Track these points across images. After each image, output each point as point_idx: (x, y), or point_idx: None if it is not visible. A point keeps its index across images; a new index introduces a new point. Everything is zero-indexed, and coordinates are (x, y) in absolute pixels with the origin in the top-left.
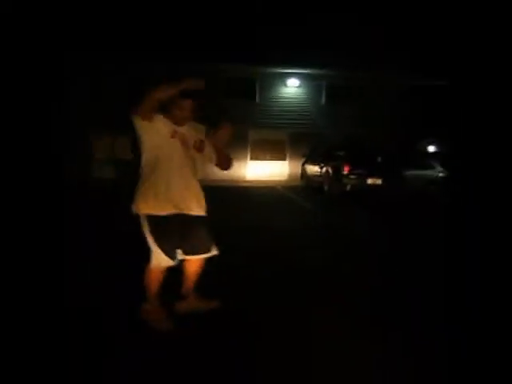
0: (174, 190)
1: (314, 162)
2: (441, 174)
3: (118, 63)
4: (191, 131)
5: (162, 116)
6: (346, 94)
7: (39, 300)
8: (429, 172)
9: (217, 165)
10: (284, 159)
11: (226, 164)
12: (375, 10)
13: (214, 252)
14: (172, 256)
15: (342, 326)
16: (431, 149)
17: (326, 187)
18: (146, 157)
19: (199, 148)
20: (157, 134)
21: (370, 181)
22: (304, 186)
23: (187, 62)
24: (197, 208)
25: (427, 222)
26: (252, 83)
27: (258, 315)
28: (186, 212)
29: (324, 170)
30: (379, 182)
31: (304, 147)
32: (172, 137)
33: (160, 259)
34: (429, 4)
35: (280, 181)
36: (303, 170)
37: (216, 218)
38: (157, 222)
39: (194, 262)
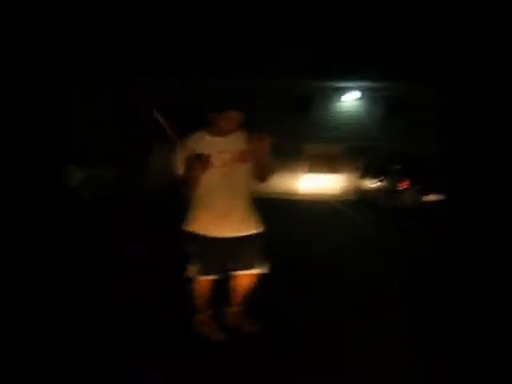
0: (221, 213)
1: (369, 177)
2: None
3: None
4: (235, 143)
5: (198, 138)
6: (405, 109)
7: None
8: None
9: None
10: (338, 173)
11: (260, 177)
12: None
13: (264, 270)
14: (213, 273)
15: (392, 338)
16: None
17: (380, 202)
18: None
19: (244, 159)
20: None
21: (427, 197)
22: (358, 200)
23: (250, 78)
24: (247, 227)
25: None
26: (310, 97)
27: (307, 329)
28: (234, 234)
29: (379, 183)
30: (438, 197)
31: (359, 161)
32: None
33: (199, 272)
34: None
35: (333, 195)
36: (358, 185)
37: (267, 231)
38: (202, 242)
39: (241, 278)
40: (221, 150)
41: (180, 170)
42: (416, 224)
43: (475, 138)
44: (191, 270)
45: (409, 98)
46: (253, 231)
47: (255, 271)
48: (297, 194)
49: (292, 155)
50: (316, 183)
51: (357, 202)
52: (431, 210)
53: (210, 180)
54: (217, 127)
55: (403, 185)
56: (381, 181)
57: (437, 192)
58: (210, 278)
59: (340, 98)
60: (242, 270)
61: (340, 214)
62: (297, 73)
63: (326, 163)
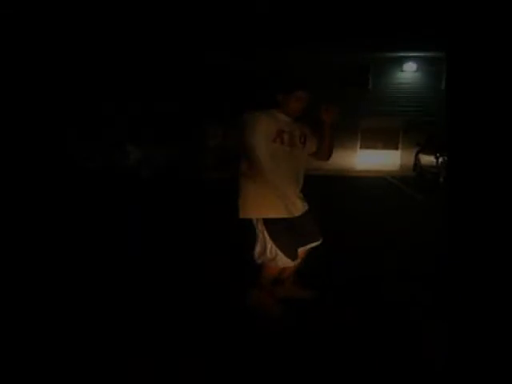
0: (284, 193)
1: (429, 152)
2: None
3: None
4: (297, 125)
5: (266, 116)
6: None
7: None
8: None
9: (315, 155)
10: (396, 149)
11: (326, 154)
12: None
13: (320, 240)
14: (294, 256)
15: None
16: None
17: (441, 179)
18: (253, 159)
19: (304, 142)
20: (263, 139)
21: None
22: (417, 177)
23: (301, 52)
24: (303, 206)
25: None
26: (365, 70)
27: (356, 316)
28: (296, 214)
29: (440, 159)
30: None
31: (418, 136)
32: (274, 141)
33: (283, 261)
34: None
35: (391, 171)
36: (417, 161)
37: (322, 210)
38: (275, 225)
39: (303, 252)
40: (290, 129)
41: (257, 141)
42: None
43: None
44: (281, 259)
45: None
46: (307, 207)
47: (316, 243)
48: (354, 171)
49: (349, 130)
50: (374, 159)
51: (416, 178)
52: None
53: (278, 158)
54: (286, 108)
55: None
56: (441, 156)
57: None
58: (290, 265)
59: (398, 69)
60: (310, 243)
61: (399, 191)
62: (352, 44)
63: (384, 138)
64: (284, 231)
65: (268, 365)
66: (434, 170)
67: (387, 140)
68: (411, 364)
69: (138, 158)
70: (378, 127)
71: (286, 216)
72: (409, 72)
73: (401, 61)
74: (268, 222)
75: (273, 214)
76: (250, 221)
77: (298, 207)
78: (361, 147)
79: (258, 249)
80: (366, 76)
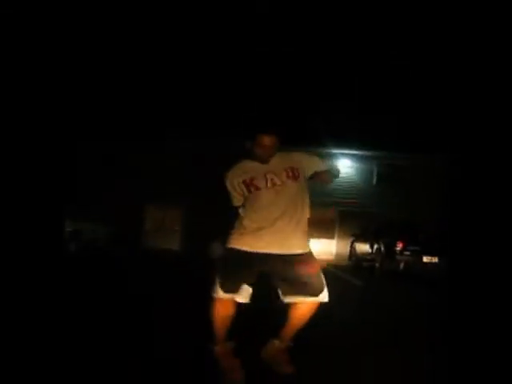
0: (267, 229)
1: (364, 241)
2: None
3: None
4: (279, 163)
5: (232, 173)
6: (397, 175)
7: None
8: None
9: (318, 179)
10: (332, 238)
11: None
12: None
13: (322, 298)
14: (227, 289)
15: None
16: None
17: (377, 265)
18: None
19: (293, 176)
20: (239, 195)
21: (425, 259)
22: (353, 265)
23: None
24: (295, 247)
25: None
26: None
27: None
28: (263, 250)
29: (375, 247)
30: (435, 260)
31: (353, 226)
32: (249, 192)
33: (212, 289)
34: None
35: (327, 260)
36: (352, 249)
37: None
38: (228, 254)
39: (298, 306)
40: (266, 171)
41: (233, 199)
42: (415, 286)
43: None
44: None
45: (401, 164)
46: (301, 251)
47: (316, 299)
48: None
49: None
50: (311, 248)
51: (352, 267)
52: (428, 271)
53: (263, 204)
54: (254, 155)
55: (398, 247)
56: (376, 244)
57: (432, 254)
58: (225, 298)
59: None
60: (300, 296)
61: (338, 278)
62: (290, 140)
63: (321, 228)
64: (233, 262)
65: None
66: (369, 258)
67: (323, 229)
68: None
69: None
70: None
71: (244, 248)
72: (344, 167)
73: (336, 157)
74: (231, 252)
75: (231, 245)
76: None
77: (274, 244)
78: None
79: None
80: None
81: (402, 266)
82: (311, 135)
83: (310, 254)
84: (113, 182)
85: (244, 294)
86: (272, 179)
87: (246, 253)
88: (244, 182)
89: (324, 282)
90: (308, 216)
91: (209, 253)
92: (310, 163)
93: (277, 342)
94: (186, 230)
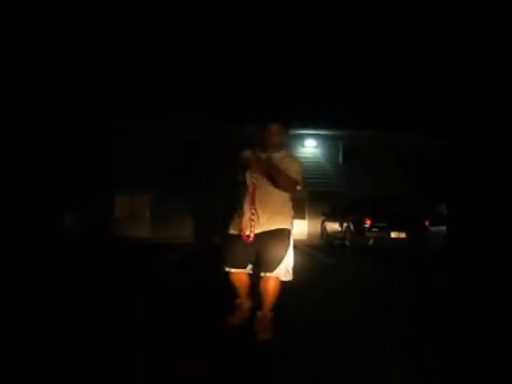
0: (245, 215)
1: (334, 220)
2: None
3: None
4: (274, 161)
5: (250, 152)
6: (363, 154)
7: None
8: None
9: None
10: (303, 218)
11: (280, 187)
12: (389, 70)
13: (282, 276)
14: (230, 264)
15: None
16: None
17: (347, 243)
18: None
19: (267, 175)
20: (241, 172)
21: (393, 234)
22: (324, 244)
23: (207, 123)
24: (259, 225)
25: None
26: None
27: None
28: (261, 230)
29: (345, 225)
30: (403, 235)
31: (323, 206)
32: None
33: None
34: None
35: (299, 240)
36: (323, 229)
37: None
38: (227, 237)
39: (263, 280)
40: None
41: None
42: (384, 261)
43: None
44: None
45: (366, 142)
46: (278, 227)
47: (272, 275)
48: None
49: None
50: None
51: (324, 245)
52: (397, 246)
53: (248, 189)
54: (261, 142)
55: (366, 224)
56: (345, 222)
57: (400, 230)
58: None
59: (300, 145)
60: (261, 271)
61: (311, 256)
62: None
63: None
64: (232, 243)
65: None
66: (339, 236)
67: (295, 210)
68: None
69: None
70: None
71: (235, 233)
72: (309, 147)
73: (302, 137)
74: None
75: (230, 231)
76: None
77: (247, 226)
78: None
79: None
80: None
81: (371, 242)
82: (278, 116)
83: (281, 233)
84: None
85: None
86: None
87: (238, 236)
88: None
89: (286, 261)
90: (287, 204)
91: (215, 241)
92: (287, 165)
93: (258, 313)
94: (154, 217)
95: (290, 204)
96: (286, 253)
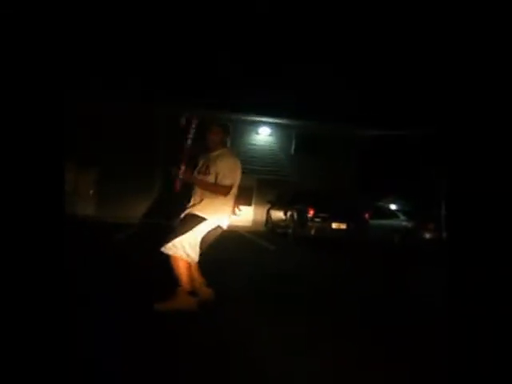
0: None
1: (279, 208)
2: (404, 223)
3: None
4: (211, 159)
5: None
6: (314, 145)
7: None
8: (393, 221)
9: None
10: (250, 205)
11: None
12: (347, 60)
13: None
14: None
15: None
16: (393, 207)
17: (290, 231)
18: None
19: (205, 172)
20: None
21: (334, 225)
22: (269, 231)
23: (159, 104)
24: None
25: (383, 268)
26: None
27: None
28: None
29: (289, 214)
30: (343, 226)
31: (270, 194)
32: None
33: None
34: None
35: (244, 226)
36: (268, 216)
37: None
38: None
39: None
40: (204, 160)
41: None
42: (323, 250)
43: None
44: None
45: (318, 134)
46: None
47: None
48: None
49: None
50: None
51: (268, 232)
52: (337, 236)
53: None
54: (207, 142)
55: (310, 214)
56: (290, 211)
57: (341, 221)
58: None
59: (254, 132)
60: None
61: (253, 243)
62: (214, 105)
63: (238, 195)
64: None
65: None
66: (283, 224)
67: (242, 197)
68: None
69: None
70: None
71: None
72: (263, 135)
73: (256, 124)
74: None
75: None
76: None
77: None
78: None
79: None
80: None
81: (312, 231)
82: (234, 103)
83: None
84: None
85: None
86: (200, 168)
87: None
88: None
89: (176, 239)
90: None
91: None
92: (219, 170)
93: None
94: (100, 194)
95: (223, 199)
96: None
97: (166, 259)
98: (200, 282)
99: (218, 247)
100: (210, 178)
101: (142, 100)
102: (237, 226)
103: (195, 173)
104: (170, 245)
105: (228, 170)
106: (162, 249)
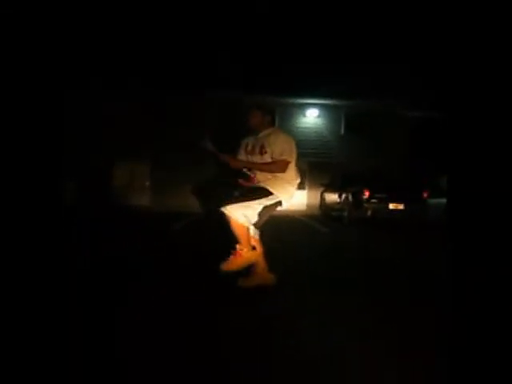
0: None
1: (333, 191)
2: None
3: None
4: (261, 139)
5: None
6: (365, 125)
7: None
8: None
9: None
10: (303, 189)
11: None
12: (394, 43)
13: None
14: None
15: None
16: None
17: (345, 214)
18: None
19: (260, 152)
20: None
21: (391, 206)
22: (323, 214)
23: (208, 90)
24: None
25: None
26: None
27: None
28: None
29: (343, 196)
30: (401, 207)
31: (323, 177)
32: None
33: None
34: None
35: (299, 210)
36: (322, 200)
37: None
38: None
39: None
40: (253, 142)
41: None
42: (381, 232)
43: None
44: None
45: (367, 112)
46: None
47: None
48: None
49: None
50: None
51: (323, 216)
52: (394, 217)
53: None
54: (249, 124)
55: (365, 195)
56: (344, 193)
57: (398, 201)
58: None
59: (301, 114)
60: None
61: (309, 227)
62: (259, 89)
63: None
64: None
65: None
66: (337, 207)
67: None
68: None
69: None
70: None
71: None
72: (311, 117)
73: (304, 107)
74: None
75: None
76: None
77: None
78: None
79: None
80: (273, 119)
81: (369, 213)
82: (280, 85)
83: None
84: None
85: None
86: (252, 149)
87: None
88: (245, 143)
89: (237, 203)
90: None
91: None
92: (275, 148)
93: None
94: (155, 185)
95: (289, 178)
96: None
97: (220, 249)
98: (263, 268)
99: (274, 233)
100: (266, 158)
101: (191, 87)
102: (291, 211)
103: (243, 156)
104: (229, 207)
105: (283, 146)
106: (222, 208)
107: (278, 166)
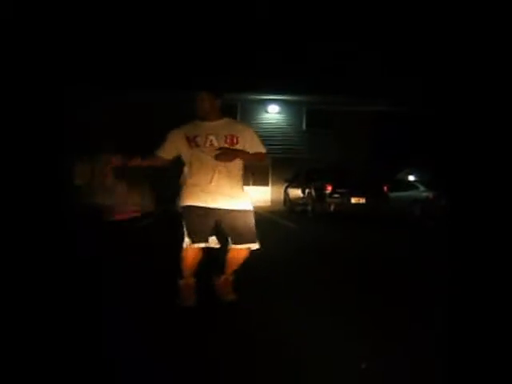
0: (203, 189)
1: (296, 186)
2: (424, 194)
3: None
4: (223, 127)
5: (190, 124)
6: (326, 120)
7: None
8: (412, 192)
9: (254, 160)
10: (267, 185)
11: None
12: (358, 35)
13: (256, 246)
14: (195, 240)
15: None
16: (411, 178)
17: (309, 208)
18: (186, 166)
19: (231, 142)
20: (182, 150)
21: (353, 200)
22: (287, 210)
23: (171, 89)
24: (228, 203)
25: (410, 240)
26: (233, 109)
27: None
28: (211, 205)
29: (307, 191)
30: (363, 201)
31: (286, 173)
32: (190, 147)
33: (184, 241)
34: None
35: (263, 207)
36: (286, 195)
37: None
38: (188, 210)
39: (235, 251)
40: (209, 133)
41: (161, 149)
42: (346, 226)
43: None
44: (186, 240)
45: (328, 109)
46: (244, 208)
47: (250, 246)
48: None
49: None
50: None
51: (287, 211)
52: (356, 211)
53: (197, 160)
54: (197, 112)
55: (327, 190)
56: (308, 188)
57: (362, 195)
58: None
59: (263, 110)
60: (238, 243)
61: (274, 223)
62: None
63: (256, 176)
64: (195, 216)
65: None
66: (301, 202)
67: (258, 177)
68: None
69: None
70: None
71: (199, 204)
72: (273, 113)
73: (265, 102)
74: (184, 208)
75: (188, 202)
76: None
77: (218, 201)
78: None
79: None
80: (234, 116)
81: (332, 207)
82: (242, 82)
83: (248, 210)
84: None
85: (214, 242)
86: (211, 141)
87: (201, 208)
88: (187, 137)
89: (255, 232)
90: (241, 174)
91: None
92: (248, 137)
93: (220, 277)
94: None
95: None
96: (253, 223)
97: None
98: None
99: None
100: (238, 148)
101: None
102: (256, 207)
103: (205, 145)
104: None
105: (258, 138)
106: (245, 245)
107: (262, 158)
